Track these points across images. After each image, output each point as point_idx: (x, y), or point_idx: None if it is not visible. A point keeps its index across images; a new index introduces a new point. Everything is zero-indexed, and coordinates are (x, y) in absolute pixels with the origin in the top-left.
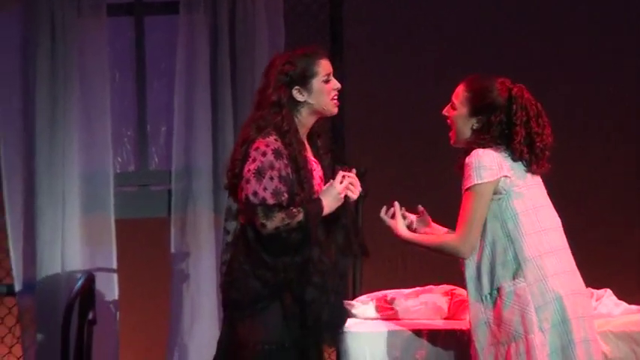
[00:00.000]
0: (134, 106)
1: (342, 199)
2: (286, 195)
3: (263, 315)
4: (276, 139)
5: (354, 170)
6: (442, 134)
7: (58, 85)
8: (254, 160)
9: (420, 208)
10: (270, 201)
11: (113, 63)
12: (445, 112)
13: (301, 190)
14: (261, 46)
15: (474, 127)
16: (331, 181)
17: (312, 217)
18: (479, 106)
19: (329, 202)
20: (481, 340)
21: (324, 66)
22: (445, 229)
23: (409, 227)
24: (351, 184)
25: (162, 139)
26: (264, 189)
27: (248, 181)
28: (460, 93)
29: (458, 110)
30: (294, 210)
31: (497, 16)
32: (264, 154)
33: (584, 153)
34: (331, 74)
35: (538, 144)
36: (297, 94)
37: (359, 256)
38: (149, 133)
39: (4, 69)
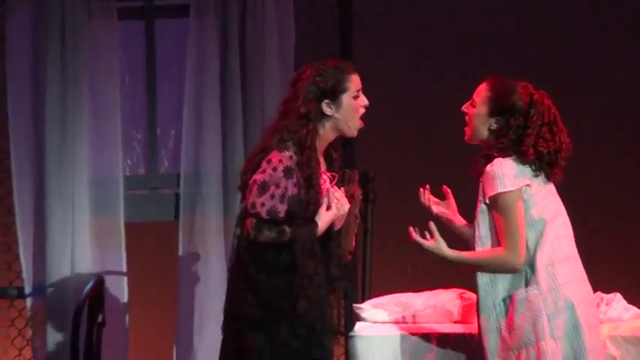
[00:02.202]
0: (144, 109)
1: (337, 215)
2: (283, 214)
3: (264, 328)
4: (291, 157)
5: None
6: (453, 137)
7: (69, 87)
8: (263, 172)
9: (446, 188)
10: (264, 216)
11: (124, 66)
12: (464, 108)
13: (307, 211)
14: (271, 49)
15: (492, 128)
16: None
17: (299, 242)
18: (499, 107)
19: (322, 225)
20: (492, 346)
21: (355, 81)
22: (465, 222)
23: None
24: (336, 199)
25: (171, 142)
26: (262, 204)
27: (250, 191)
28: (482, 92)
29: (477, 109)
30: (287, 231)
31: (506, 19)
32: (274, 169)
33: (593, 158)
34: (361, 90)
35: (542, 149)
36: (326, 108)
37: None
38: (159, 136)
39: (15, 72)
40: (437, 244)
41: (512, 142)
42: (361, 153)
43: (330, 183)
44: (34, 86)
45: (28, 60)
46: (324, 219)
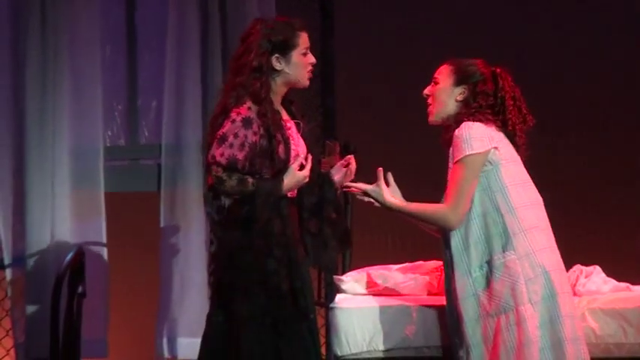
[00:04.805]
0: (125, 80)
1: (307, 180)
2: (242, 162)
3: (246, 290)
4: (249, 108)
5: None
6: None
7: (49, 58)
8: (223, 127)
9: (388, 174)
10: (224, 165)
11: (104, 37)
12: (427, 91)
13: (271, 160)
14: (252, 19)
15: (458, 99)
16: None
17: (261, 193)
18: (464, 75)
19: (291, 182)
20: (469, 313)
21: (304, 39)
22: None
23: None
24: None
25: (152, 113)
26: (221, 154)
27: (210, 146)
28: (442, 69)
29: (441, 83)
30: (250, 181)
31: None
32: (233, 122)
33: (571, 132)
34: (309, 48)
35: (530, 122)
36: (276, 63)
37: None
38: (139, 107)
39: None
40: (378, 188)
41: (483, 108)
42: (343, 125)
43: (297, 130)
44: (14, 58)
45: (8, 31)
46: (292, 176)
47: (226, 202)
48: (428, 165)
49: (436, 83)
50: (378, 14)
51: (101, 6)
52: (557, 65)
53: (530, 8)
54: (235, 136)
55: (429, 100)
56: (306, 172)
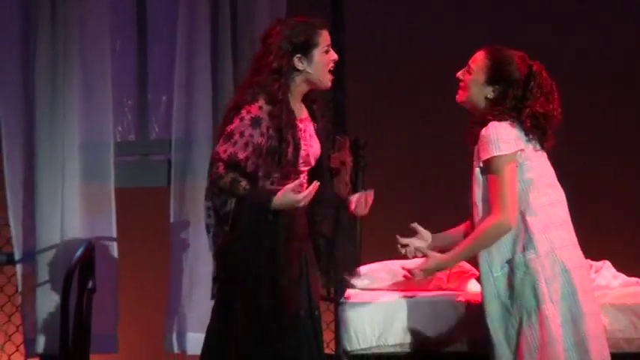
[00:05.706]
0: (135, 74)
1: (301, 204)
2: (243, 162)
3: (241, 291)
4: (260, 107)
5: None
6: (446, 106)
7: (59, 53)
8: (232, 123)
9: (414, 225)
10: (226, 161)
11: (114, 31)
12: (460, 75)
13: (277, 163)
14: (262, 13)
15: (489, 97)
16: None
17: (248, 201)
18: (498, 76)
19: (283, 202)
20: (492, 314)
21: (325, 37)
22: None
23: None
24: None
25: (162, 108)
26: (224, 151)
27: (217, 141)
28: (479, 59)
29: (474, 75)
30: (242, 185)
31: None
32: (241, 119)
33: (580, 127)
34: (330, 45)
35: (541, 122)
36: (298, 63)
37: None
38: (150, 102)
39: (4, 37)
40: (431, 262)
41: (508, 110)
42: (353, 120)
43: (314, 129)
44: (24, 52)
45: (18, 25)
46: (284, 195)
47: (232, 201)
48: (437, 161)
49: (469, 72)
50: (389, 8)
51: (111, 0)
52: (557, 65)
53: (530, 8)
54: (241, 134)
55: (461, 85)
56: (301, 197)
